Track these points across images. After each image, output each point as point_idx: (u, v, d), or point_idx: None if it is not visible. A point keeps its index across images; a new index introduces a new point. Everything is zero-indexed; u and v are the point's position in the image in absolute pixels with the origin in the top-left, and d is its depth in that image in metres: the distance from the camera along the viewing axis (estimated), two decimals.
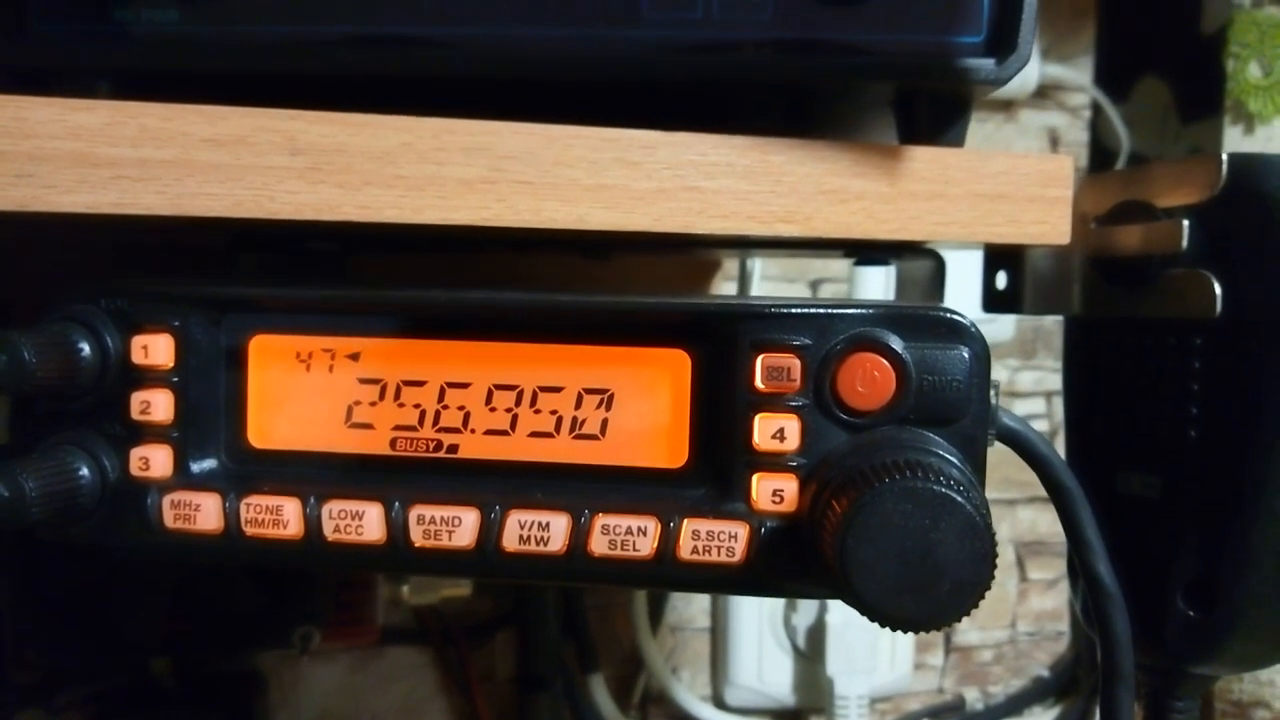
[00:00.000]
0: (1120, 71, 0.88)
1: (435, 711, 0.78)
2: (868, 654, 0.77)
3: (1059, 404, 0.89)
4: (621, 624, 0.80)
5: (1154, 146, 0.87)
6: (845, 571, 0.24)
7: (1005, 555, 0.88)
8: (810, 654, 0.79)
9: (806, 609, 0.79)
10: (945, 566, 0.24)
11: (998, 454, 0.94)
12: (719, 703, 0.82)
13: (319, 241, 0.43)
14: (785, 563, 0.28)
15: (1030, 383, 0.87)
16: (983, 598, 0.25)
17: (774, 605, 0.81)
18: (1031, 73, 0.81)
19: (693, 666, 0.83)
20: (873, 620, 0.25)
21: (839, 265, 0.81)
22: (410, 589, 0.69)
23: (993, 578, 0.25)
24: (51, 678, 0.63)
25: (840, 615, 0.77)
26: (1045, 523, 0.87)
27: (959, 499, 0.24)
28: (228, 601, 0.59)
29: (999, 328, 0.84)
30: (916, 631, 0.25)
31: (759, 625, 0.80)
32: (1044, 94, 0.85)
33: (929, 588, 0.24)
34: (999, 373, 0.86)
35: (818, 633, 0.78)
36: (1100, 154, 0.88)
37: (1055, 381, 0.88)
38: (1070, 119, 0.87)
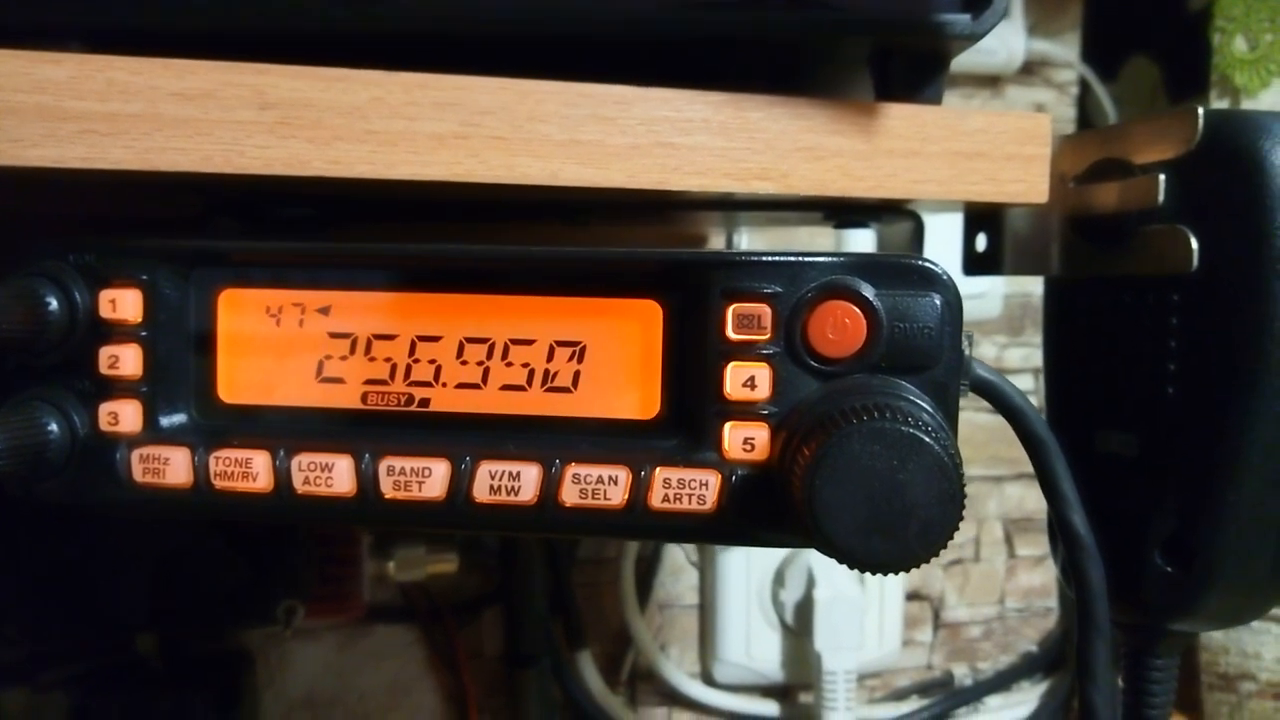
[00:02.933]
0: (1109, 50, 0.88)
1: (423, 689, 0.78)
2: (855, 630, 0.77)
3: (1039, 385, 0.89)
4: (609, 601, 0.80)
5: None
6: (814, 514, 0.24)
7: (993, 532, 0.88)
8: (798, 630, 0.79)
9: (794, 585, 0.79)
10: (914, 507, 0.24)
11: (986, 431, 0.93)
12: (707, 679, 0.83)
13: (294, 208, 0.42)
14: (756, 510, 0.28)
15: (1018, 359, 0.87)
16: (951, 538, 0.24)
17: (762, 582, 0.81)
18: (1018, 48, 0.81)
19: (681, 643, 0.83)
20: (842, 562, 0.25)
21: (824, 239, 0.81)
22: (396, 565, 0.69)
23: (961, 518, 0.25)
24: (36, 656, 0.63)
25: (828, 591, 0.77)
26: (1033, 499, 0.87)
27: (927, 439, 0.24)
28: (209, 576, 0.59)
29: (987, 304, 0.84)
30: (885, 573, 0.25)
31: (747, 602, 0.81)
32: (1031, 70, 0.85)
33: (897, 529, 0.24)
34: (987, 349, 0.86)
35: (805, 609, 0.78)
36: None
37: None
38: (1057, 95, 0.87)
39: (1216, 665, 0.79)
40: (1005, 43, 0.81)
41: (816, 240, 0.77)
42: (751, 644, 0.81)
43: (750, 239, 0.77)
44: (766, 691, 0.83)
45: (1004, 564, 0.89)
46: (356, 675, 0.76)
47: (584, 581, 0.79)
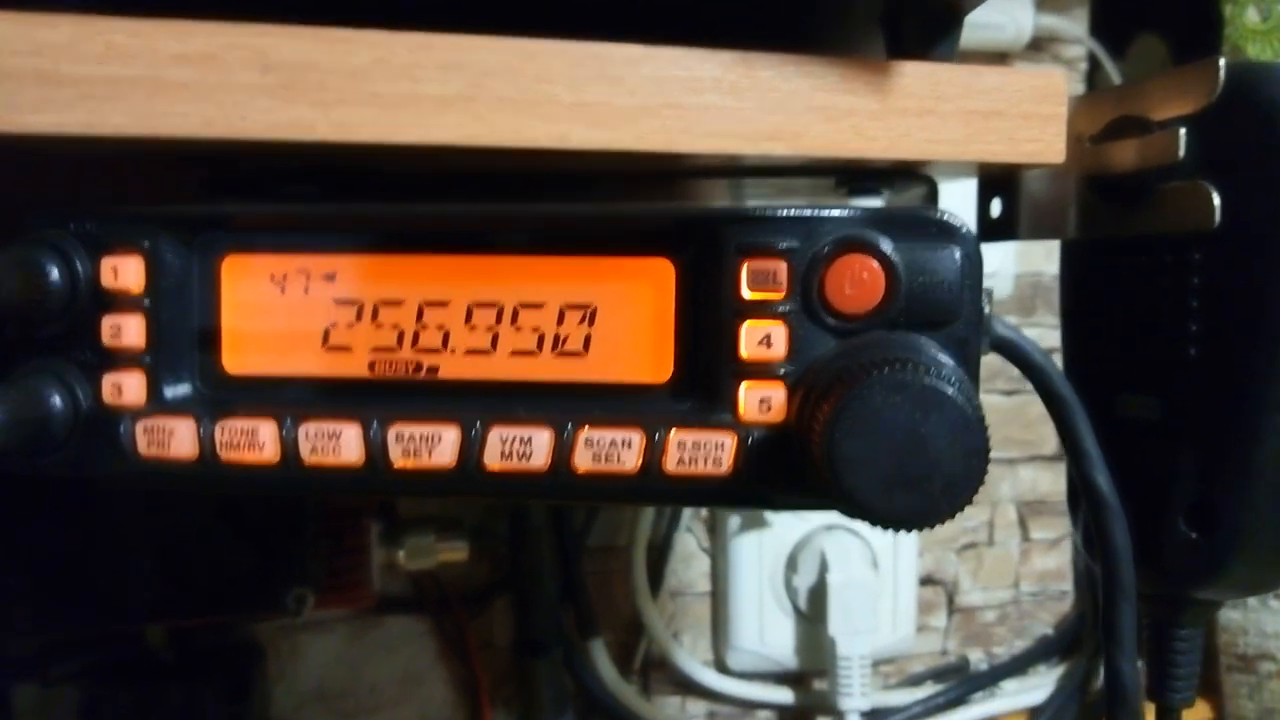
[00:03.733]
0: (1117, 24, 0.87)
1: (434, 680, 0.77)
2: (869, 614, 0.76)
3: (1060, 361, 0.88)
4: (621, 589, 0.79)
5: None
6: (834, 469, 0.24)
7: (1007, 515, 0.87)
8: (812, 616, 0.79)
9: (807, 571, 0.79)
10: (938, 462, 0.24)
11: (999, 413, 0.93)
12: (721, 666, 0.82)
13: (299, 185, 0.42)
14: (774, 472, 0.27)
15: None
16: (975, 493, 0.24)
17: (775, 568, 0.80)
18: (1026, 24, 0.80)
19: (694, 631, 0.82)
20: (864, 519, 0.24)
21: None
22: (406, 554, 0.68)
23: (985, 473, 0.24)
24: (46, 650, 0.62)
25: (841, 576, 0.77)
26: (1046, 481, 0.86)
27: (950, 391, 0.24)
28: (218, 566, 0.58)
29: (998, 284, 0.83)
30: (909, 529, 0.24)
31: (759, 588, 0.80)
32: (1039, 46, 0.84)
33: (921, 484, 0.24)
34: None
35: (819, 594, 0.78)
36: None
37: (1055, 338, 0.87)
38: (1067, 71, 0.86)
39: (1235, 646, 0.78)
40: (1013, 18, 0.80)
41: None
42: (765, 630, 0.80)
43: None
44: (780, 678, 0.82)
45: (1018, 547, 0.88)
46: (367, 666, 0.76)
47: (595, 569, 0.78)
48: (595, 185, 0.45)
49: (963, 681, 0.85)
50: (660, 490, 0.28)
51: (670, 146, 0.33)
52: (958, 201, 0.45)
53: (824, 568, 0.77)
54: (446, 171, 0.36)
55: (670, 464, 0.28)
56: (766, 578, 0.80)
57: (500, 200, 0.50)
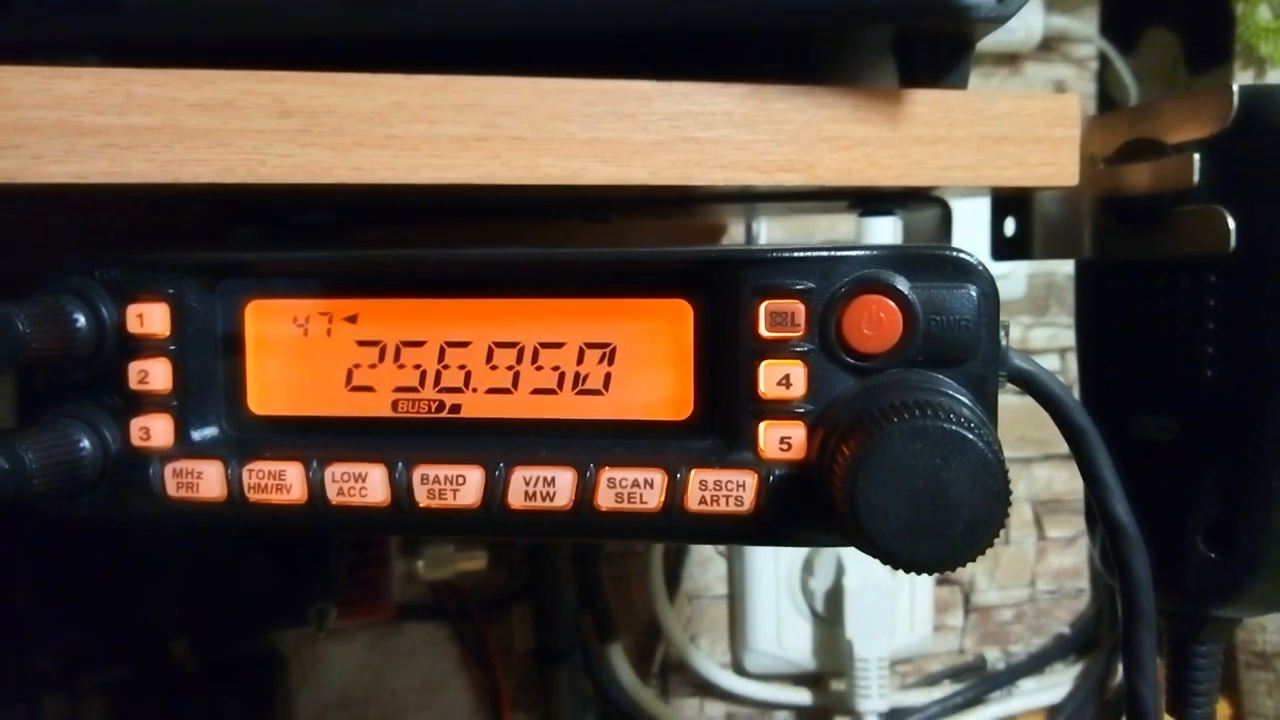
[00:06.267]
0: (1127, 22, 0.87)
1: (455, 687, 0.78)
2: (887, 616, 0.77)
3: (1074, 360, 0.88)
4: (638, 593, 0.80)
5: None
6: (856, 515, 0.24)
7: (1023, 514, 0.87)
8: (829, 618, 0.79)
9: (823, 573, 0.79)
10: (958, 506, 0.24)
11: (1013, 413, 0.93)
12: (739, 669, 0.82)
13: (315, 214, 0.42)
14: (795, 511, 0.28)
15: (1043, 339, 0.87)
16: (996, 536, 0.24)
17: (791, 570, 0.80)
18: (1036, 24, 0.80)
19: (711, 634, 0.83)
20: (886, 563, 0.24)
21: (846, 226, 0.80)
22: (425, 564, 0.69)
23: (1006, 515, 0.24)
24: (72, 663, 0.63)
25: (857, 578, 0.77)
26: (1062, 480, 0.87)
27: (970, 436, 0.24)
28: (242, 581, 0.59)
29: (1011, 284, 0.83)
30: (930, 573, 0.24)
31: (776, 591, 0.80)
32: (1049, 46, 0.84)
33: (942, 528, 0.24)
34: (1012, 331, 0.85)
35: (835, 596, 0.78)
36: (1108, 106, 0.87)
37: (1069, 338, 0.88)
38: (1077, 71, 0.86)
39: (1254, 643, 0.78)
40: (1023, 19, 0.79)
41: (838, 226, 0.77)
42: (782, 633, 0.81)
43: (770, 227, 0.76)
44: (798, 680, 0.83)
45: (1034, 546, 0.88)
46: (389, 674, 0.76)
47: (612, 574, 0.79)
48: (608, 205, 0.46)
49: (980, 681, 0.86)
50: (682, 528, 0.28)
51: (685, 180, 0.33)
52: (970, 219, 0.45)
53: (840, 570, 0.78)
54: (462, 195, 0.36)
55: (692, 502, 0.28)
56: (783, 581, 0.80)
57: (511, 220, 0.51)
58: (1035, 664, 0.87)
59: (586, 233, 0.51)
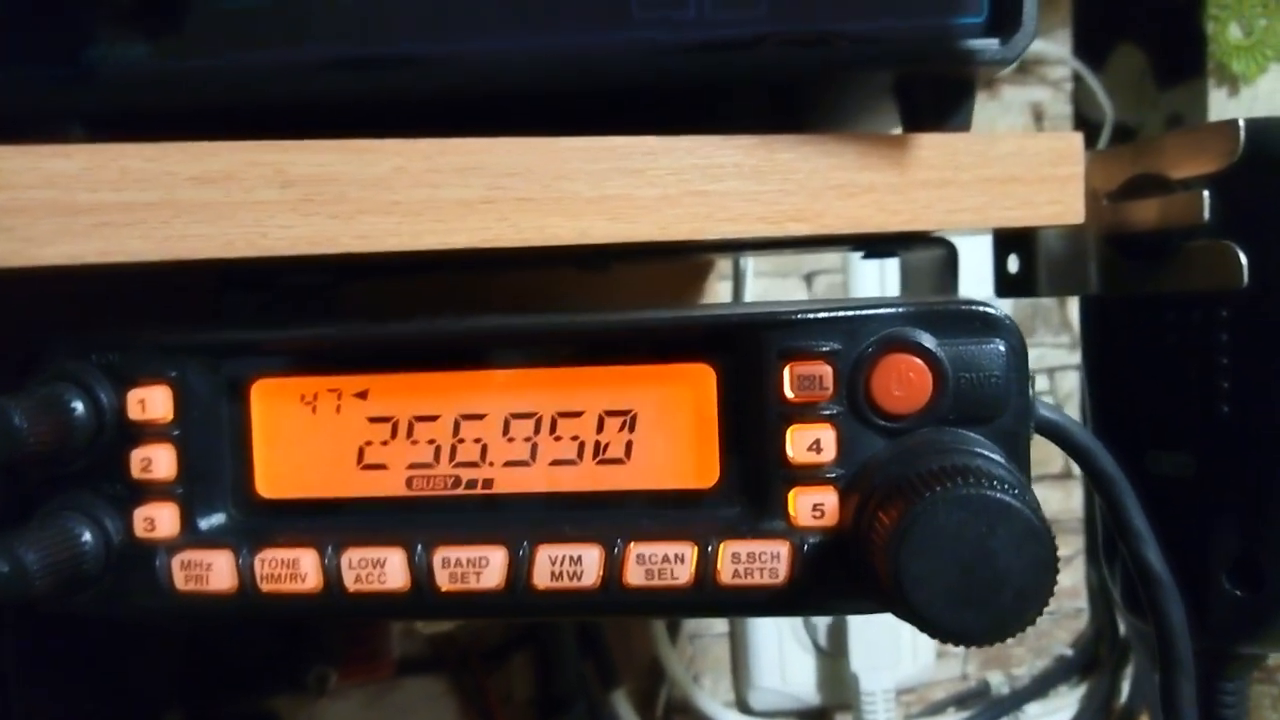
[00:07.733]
0: (1096, 40, 0.88)
1: None
2: (890, 647, 0.76)
3: (1061, 380, 0.88)
4: (639, 636, 0.78)
5: (1133, 114, 0.86)
6: (901, 588, 0.23)
7: None
8: (832, 651, 0.78)
9: None
10: (1006, 575, 0.23)
11: None
12: (743, 707, 0.81)
13: (310, 274, 0.41)
14: (831, 579, 0.27)
15: (1031, 361, 0.86)
16: (1046, 605, 0.23)
17: None
18: None
19: (714, 673, 0.82)
20: (932, 636, 0.24)
21: (832, 257, 0.80)
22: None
23: (1055, 584, 0.23)
24: None
25: None
26: (1056, 500, 0.86)
27: (1015, 503, 0.23)
28: (240, 647, 0.57)
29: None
30: (979, 645, 0.24)
31: (778, 626, 0.79)
32: (1025, 69, 0.84)
33: (990, 599, 0.23)
34: None
35: (839, 629, 0.77)
36: (1083, 125, 0.88)
37: (1055, 358, 0.88)
38: (1053, 92, 0.86)
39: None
40: None
41: (825, 259, 0.77)
42: (786, 668, 0.80)
43: (756, 261, 0.76)
44: (803, 715, 0.82)
45: None
46: None
47: (612, 619, 0.78)
48: (609, 254, 0.45)
49: (986, 708, 0.85)
50: (715, 603, 0.28)
51: (694, 235, 0.33)
52: (973, 258, 0.44)
53: None
54: (465, 255, 0.35)
55: (725, 576, 0.27)
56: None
57: (508, 270, 0.50)
58: (1039, 687, 0.87)
59: (583, 280, 0.50)
